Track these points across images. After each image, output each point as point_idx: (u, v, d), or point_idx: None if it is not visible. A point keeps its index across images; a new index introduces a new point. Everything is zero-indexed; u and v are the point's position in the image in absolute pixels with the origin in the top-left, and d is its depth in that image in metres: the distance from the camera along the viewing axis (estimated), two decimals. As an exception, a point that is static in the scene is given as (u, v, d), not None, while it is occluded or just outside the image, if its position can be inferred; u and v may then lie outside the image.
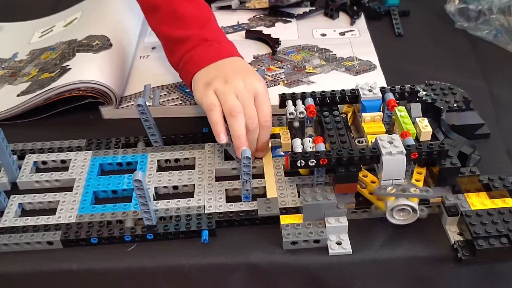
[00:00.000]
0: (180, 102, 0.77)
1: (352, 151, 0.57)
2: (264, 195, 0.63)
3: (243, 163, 0.58)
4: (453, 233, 0.59)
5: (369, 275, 0.58)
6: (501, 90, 0.80)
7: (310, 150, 0.59)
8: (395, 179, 0.57)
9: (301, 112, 0.64)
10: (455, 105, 0.71)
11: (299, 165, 0.57)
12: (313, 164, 0.57)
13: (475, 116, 0.71)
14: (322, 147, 0.59)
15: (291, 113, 0.64)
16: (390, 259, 0.58)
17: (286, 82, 0.80)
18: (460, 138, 0.66)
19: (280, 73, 0.82)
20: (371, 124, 0.64)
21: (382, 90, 0.66)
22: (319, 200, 0.58)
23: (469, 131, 0.70)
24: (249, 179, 0.60)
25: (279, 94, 0.66)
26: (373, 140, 0.59)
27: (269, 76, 0.82)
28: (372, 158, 0.57)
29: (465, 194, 0.60)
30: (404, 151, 0.56)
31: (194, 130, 0.72)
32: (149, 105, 0.77)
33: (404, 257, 0.58)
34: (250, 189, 0.61)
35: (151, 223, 0.59)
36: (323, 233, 0.58)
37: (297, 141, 0.60)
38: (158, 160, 0.68)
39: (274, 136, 0.70)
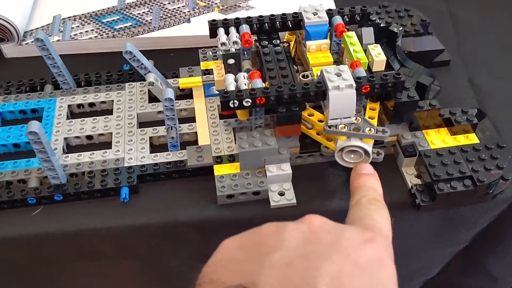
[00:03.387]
0: (96, 35, 0.65)
1: (294, 87, 0.48)
2: (195, 142, 0.54)
3: (165, 106, 0.49)
4: (410, 176, 0.52)
5: (317, 228, 0.51)
6: (462, 11, 0.72)
7: (245, 87, 0.50)
8: (344, 118, 0.49)
9: (235, 42, 0.54)
10: (412, 29, 0.62)
11: (232, 106, 0.48)
12: (249, 104, 0.48)
13: (434, 41, 0.63)
14: (259, 83, 0.50)
15: (222, 44, 0.54)
16: (340, 209, 0.50)
17: (221, 8, 0.69)
18: (418, 67, 0.58)
19: (214, -3, 0.71)
20: (317, 54, 0.55)
21: (329, 13, 0.56)
22: (257, 146, 0.49)
23: (428, 58, 0.62)
24: (175, 124, 0.51)
25: (208, 21, 0.56)
26: (319, 73, 0.51)
27: (201, 1, 0.70)
28: (317, 94, 0.49)
29: (423, 131, 0.53)
30: (354, 85, 0.48)
31: (112, 68, 0.61)
32: (59, 40, 0.65)
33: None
34: (177, 136, 0.52)
35: (59, 181, 0.50)
36: (263, 183, 0.50)
37: (230, 77, 0.51)
38: (69, 106, 0.58)
39: (207, 72, 0.60)
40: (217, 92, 0.58)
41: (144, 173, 0.51)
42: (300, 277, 0.30)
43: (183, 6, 0.69)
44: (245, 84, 0.50)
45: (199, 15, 0.68)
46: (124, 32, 0.66)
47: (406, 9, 0.65)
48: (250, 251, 0.32)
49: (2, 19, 0.62)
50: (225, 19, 0.56)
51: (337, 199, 0.51)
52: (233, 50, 0.56)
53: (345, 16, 0.56)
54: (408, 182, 0.51)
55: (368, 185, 0.42)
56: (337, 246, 0.32)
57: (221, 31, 0.55)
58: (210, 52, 0.63)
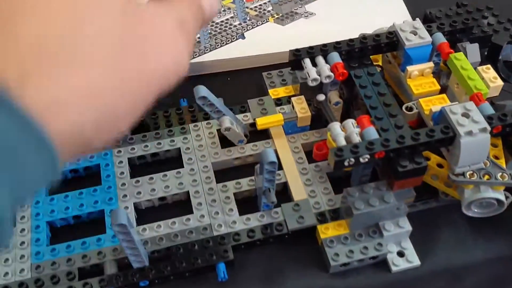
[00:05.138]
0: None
1: (418, 136, 0.40)
2: (282, 192, 0.47)
3: (266, 169, 0.40)
4: (539, 220, 0.45)
5: None
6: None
7: (357, 138, 0.42)
8: (474, 164, 0.42)
9: (328, 77, 0.46)
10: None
11: (347, 164, 0.40)
12: (366, 160, 0.40)
13: (531, 47, 0.56)
14: (373, 133, 0.42)
15: (314, 80, 0.45)
16: (464, 264, 0.44)
17: (276, 16, 0.60)
18: (520, 82, 0.51)
19: (265, 3, 0.61)
20: (419, 80, 0.47)
21: (428, 29, 0.48)
22: (374, 206, 0.42)
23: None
24: (273, 186, 0.43)
25: (290, 51, 0.47)
26: (433, 109, 0.43)
27: (251, 9, 0.61)
28: (442, 141, 0.41)
29: (549, 165, 0.46)
30: (488, 128, 0.40)
31: (166, 101, 0.52)
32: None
33: (483, 260, 0.45)
34: (275, 199, 0.44)
35: (143, 265, 0.42)
36: (381, 246, 0.43)
37: (336, 126, 0.42)
38: (129, 159, 0.49)
39: (279, 102, 0.52)
40: (298, 129, 0.50)
41: (238, 242, 0.43)
42: None
43: (232, 17, 0.60)
44: (356, 133, 0.42)
45: (252, 27, 0.59)
46: (172, 56, 0.56)
47: (489, 8, 0.57)
48: None
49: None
50: (311, 47, 0.47)
51: (458, 252, 0.44)
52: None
53: (445, 32, 0.48)
54: (539, 228, 0.45)
55: None
56: None
57: (307, 62, 0.46)
58: (277, 75, 0.54)
